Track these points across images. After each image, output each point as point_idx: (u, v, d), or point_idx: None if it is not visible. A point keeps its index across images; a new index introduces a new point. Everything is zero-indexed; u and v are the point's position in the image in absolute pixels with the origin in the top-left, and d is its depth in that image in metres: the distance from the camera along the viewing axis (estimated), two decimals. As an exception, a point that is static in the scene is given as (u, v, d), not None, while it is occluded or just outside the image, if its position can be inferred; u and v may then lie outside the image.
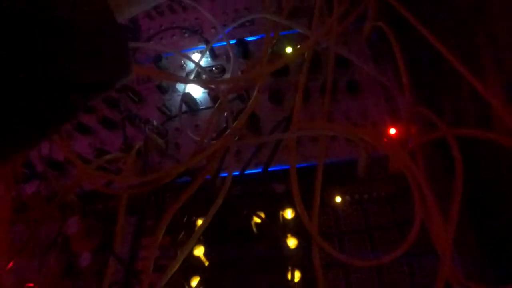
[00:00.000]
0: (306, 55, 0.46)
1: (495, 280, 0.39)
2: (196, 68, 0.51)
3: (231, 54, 0.49)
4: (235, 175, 0.42)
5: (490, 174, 0.44)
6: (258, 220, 0.41)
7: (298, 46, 0.45)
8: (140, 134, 0.51)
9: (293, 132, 0.41)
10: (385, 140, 0.42)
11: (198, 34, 0.54)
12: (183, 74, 0.53)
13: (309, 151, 0.46)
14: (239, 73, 0.50)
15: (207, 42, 0.52)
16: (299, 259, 0.39)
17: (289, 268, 0.38)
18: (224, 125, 0.45)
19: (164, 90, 0.53)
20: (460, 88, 0.46)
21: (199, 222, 0.41)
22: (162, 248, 0.42)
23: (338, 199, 0.43)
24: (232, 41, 0.51)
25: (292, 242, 0.39)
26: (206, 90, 0.51)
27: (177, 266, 0.37)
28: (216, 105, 0.45)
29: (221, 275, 0.40)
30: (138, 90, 0.53)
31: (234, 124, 0.42)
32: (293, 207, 0.41)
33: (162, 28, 0.56)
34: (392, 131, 0.45)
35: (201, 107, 0.51)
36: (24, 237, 0.50)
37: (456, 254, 0.39)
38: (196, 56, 0.53)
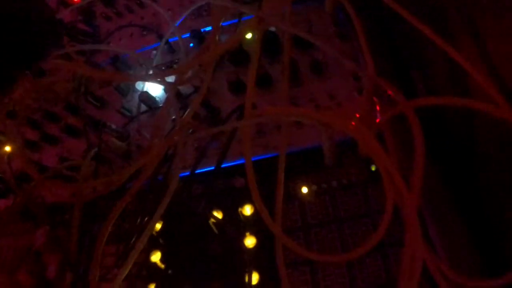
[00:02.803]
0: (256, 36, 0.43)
1: (486, 272, 0.35)
2: (151, 66, 0.48)
3: (180, 46, 0.46)
4: (185, 174, 0.39)
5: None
6: (217, 217, 0.38)
7: (244, 25, 0.42)
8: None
9: (247, 119, 0.38)
10: (353, 123, 0.38)
11: (153, 31, 0.51)
12: (143, 73, 0.51)
13: (273, 141, 0.43)
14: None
15: (161, 37, 0.49)
16: (258, 259, 0.35)
17: (246, 270, 0.35)
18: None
19: (124, 91, 0.51)
20: (433, 60, 0.41)
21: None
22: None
23: (304, 189, 0.40)
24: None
25: (250, 242, 0.36)
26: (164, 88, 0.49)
27: (125, 273, 0.35)
28: (164, 100, 0.42)
29: (178, 280, 0.37)
30: (99, 95, 0.52)
31: (182, 117, 0.39)
32: (253, 203, 0.37)
33: (119, 27, 0.54)
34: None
35: (160, 105, 0.48)
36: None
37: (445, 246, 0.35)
38: (154, 53, 0.51)
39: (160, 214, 0.36)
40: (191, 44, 0.50)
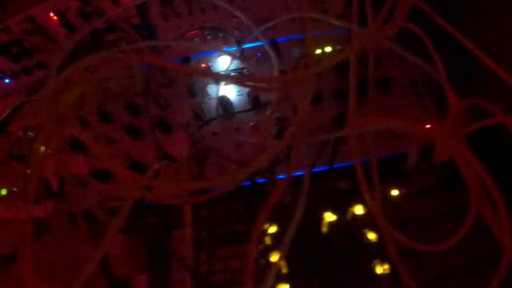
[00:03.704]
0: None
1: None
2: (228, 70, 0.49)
3: (271, 54, 0.48)
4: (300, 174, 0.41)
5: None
6: (330, 219, 0.40)
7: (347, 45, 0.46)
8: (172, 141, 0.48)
9: (354, 127, 0.42)
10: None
11: (227, 35, 0.52)
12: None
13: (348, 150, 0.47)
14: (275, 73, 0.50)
15: (238, 43, 0.51)
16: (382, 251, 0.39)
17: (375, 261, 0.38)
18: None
19: (195, 94, 0.50)
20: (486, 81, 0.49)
21: (271, 229, 0.40)
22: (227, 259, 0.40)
23: (394, 192, 0.45)
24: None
25: (372, 236, 0.40)
26: (239, 93, 0.50)
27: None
28: (270, 104, 0.44)
29: (307, 278, 0.38)
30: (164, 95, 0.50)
31: (296, 121, 0.41)
32: (362, 202, 0.41)
33: (193, 27, 0.53)
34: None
35: (236, 110, 0.49)
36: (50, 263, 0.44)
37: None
38: (224, 59, 0.51)
39: (299, 218, 0.37)
40: (259, 54, 0.52)
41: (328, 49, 0.50)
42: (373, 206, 0.40)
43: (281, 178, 0.40)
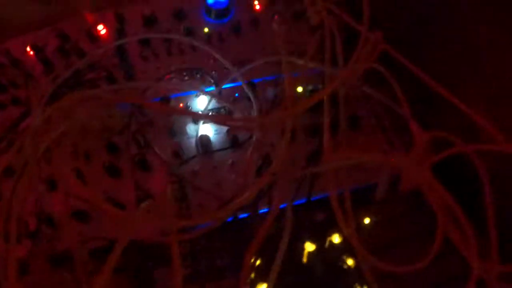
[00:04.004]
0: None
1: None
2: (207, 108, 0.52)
3: (250, 94, 0.51)
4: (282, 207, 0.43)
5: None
6: (310, 249, 0.42)
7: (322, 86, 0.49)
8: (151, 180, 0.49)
9: (329, 162, 0.45)
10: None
11: (206, 76, 0.54)
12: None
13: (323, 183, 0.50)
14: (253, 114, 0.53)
15: (216, 84, 0.53)
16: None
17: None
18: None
19: (174, 133, 0.52)
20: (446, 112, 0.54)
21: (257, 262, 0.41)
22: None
23: (366, 220, 0.48)
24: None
25: (350, 262, 0.42)
26: (216, 131, 0.52)
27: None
28: (253, 141, 0.46)
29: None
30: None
31: (276, 158, 0.43)
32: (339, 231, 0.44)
33: (172, 69, 0.55)
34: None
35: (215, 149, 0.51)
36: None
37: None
38: (202, 99, 0.54)
39: (283, 250, 0.39)
40: (236, 94, 0.55)
41: (299, 89, 0.54)
42: (349, 234, 0.43)
43: (264, 212, 0.42)
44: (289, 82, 0.49)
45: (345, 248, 0.44)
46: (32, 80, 0.56)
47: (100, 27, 0.59)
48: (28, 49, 0.58)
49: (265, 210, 0.44)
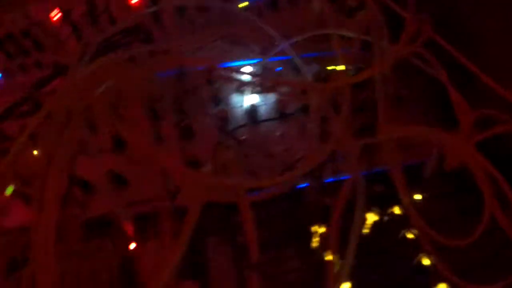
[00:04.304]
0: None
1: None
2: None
3: (299, 66, 0.50)
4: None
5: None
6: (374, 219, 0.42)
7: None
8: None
9: (388, 134, 0.44)
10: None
11: (251, 46, 0.53)
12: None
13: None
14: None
15: (263, 54, 0.52)
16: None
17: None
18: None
19: (218, 102, 0.49)
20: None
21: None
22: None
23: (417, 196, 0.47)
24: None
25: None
26: (262, 102, 0.50)
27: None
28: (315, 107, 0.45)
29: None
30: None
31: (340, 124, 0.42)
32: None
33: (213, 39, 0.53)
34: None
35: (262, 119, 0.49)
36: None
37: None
38: (246, 69, 0.52)
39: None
40: (280, 68, 0.53)
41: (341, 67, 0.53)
42: (409, 207, 0.42)
43: (345, 179, 0.40)
44: (341, 56, 0.48)
45: (403, 221, 0.43)
46: (60, 44, 0.53)
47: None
48: (52, 14, 0.54)
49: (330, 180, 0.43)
